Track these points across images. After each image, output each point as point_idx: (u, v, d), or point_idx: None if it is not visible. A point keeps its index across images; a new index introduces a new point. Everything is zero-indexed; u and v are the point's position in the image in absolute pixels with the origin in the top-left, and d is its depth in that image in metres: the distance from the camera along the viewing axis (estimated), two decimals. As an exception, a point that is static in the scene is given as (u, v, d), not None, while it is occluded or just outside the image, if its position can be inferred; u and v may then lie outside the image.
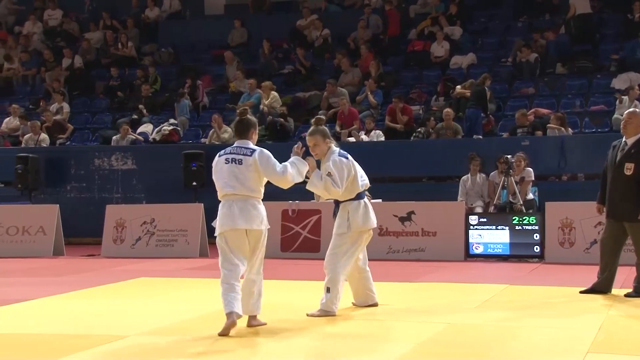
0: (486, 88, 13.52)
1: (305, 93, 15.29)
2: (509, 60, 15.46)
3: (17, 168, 13.25)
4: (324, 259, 10.69)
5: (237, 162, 5.82)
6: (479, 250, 10.60)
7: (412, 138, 13.52)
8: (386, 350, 5.22)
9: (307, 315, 6.30)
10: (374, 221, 6.59)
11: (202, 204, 11.35)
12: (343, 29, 16.77)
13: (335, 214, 6.60)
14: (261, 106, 14.55)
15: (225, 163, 5.82)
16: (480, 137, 13.28)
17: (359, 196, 6.53)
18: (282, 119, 14.24)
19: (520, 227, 10.47)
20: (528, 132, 12.97)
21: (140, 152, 13.82)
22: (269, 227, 6.04)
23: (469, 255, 10.60)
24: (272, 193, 12.82)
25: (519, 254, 10.46)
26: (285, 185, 5.96)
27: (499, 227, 10.54)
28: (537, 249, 10.38)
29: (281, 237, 11.03)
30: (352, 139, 13.51)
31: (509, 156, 10.99)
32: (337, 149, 6.47)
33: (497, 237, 10.55)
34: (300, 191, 12.40)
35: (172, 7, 18.51)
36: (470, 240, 10.60)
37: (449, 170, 12.87)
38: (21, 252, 11.34)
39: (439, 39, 15.77)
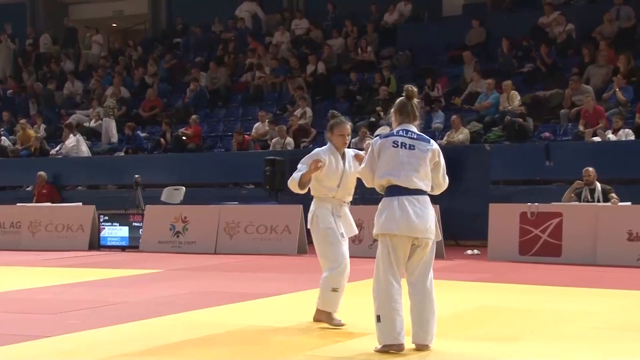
0: None
1: (545, 92, 14.69)
2: None
3: (265, 170, 14.08)
4: (565, 264, 10.23)
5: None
6: None
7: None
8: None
9: None
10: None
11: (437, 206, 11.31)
12: (589, 23, 15.87)
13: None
14: (500, 107, 14.23)
15: None
16: None
17: None
18: (520, 119, 13.80)
19: None
20: None
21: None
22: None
23: None
24: (513, 195, 12.51)
25: None
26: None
27: None
28: None
29: (519, 240, 10.71)
30: (597, 139, 12.75)
31: None
32: None
33: None
34: (538, 193, 12.02)
35: (410, 11, 18.69)
36: None
37: None
38: (269, 250, 12.05)
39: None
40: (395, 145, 5.14)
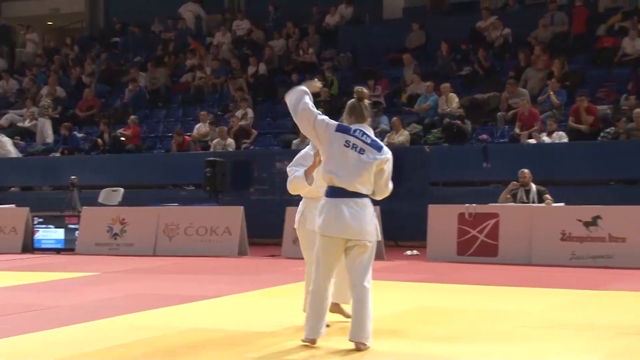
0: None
1: (483, 94, 14.96)
2: None
3: (206, 171, 13.94)
4: (502, 264, 10.42)
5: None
6: (675, 258, 9.85)
7: (599, 138, 12.83)
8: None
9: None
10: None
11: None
12: (525, 27, 16.23)
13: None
14: (439, 109, 14.42)
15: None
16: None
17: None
18: (459, 121, 14.02)
19: None
20: None
21: (319, 156, 14.11)
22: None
23: (662, 264, 9.89)
24: (451, 196, 12.66)
25: None
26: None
27: (698, 234, 9.74)
28: None
29: (457, 241, 10.87)
30: (532, 141, 13.04)
31: None
32: None
33: (695, 245, 9.75)
34: (477, 194, 12.23)
35: (351, 13, 18.81)
36: (664, 247, 9.89)
37: (640, 173, 12.08)
38: (209, 251, 11.94)
39: (633, 34, 14.80)
40: (346, 145, 5.20)
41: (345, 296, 5.93)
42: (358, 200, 5.19)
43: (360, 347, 5.18)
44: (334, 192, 5.22)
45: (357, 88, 5.43)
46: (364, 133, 5.25)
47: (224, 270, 10.40)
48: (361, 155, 5.17)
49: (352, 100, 5.39)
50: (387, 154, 5.26)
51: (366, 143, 5.21)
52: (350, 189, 5.18)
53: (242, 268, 10.65)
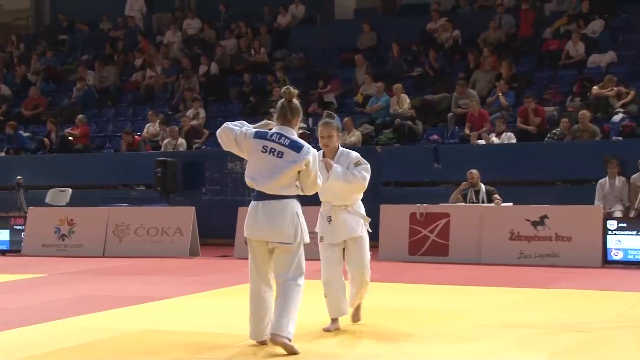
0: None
1: (434, 95, 15.13)
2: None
3: (156, 171, 13.82)
4: (452, 263, 10.56)
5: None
6: (618, 256, 10.12)
7: (546, 139, 13.10)
8: (519, 359, 5.08)
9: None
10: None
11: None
12: (474, 29, 16.47)
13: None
14: (391, 110, 14.53)
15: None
16: (620, 138, 12.68)
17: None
18: (410, 122, 14.15)
19: (663, 233, 9.90)
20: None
21: (271, 156, 14.07)
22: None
23: (606, 262, 10.15)
24: (403, 196, 12.77)
25: (662, 261, 9.89)
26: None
27: (641, 233, 10.02)
28: (682, 256, 9.78)
29: (409, 240, 10.97)
30: (482, 141, 13.24)
31: (650, 158, 10.43)
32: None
33: (638, 243, 10.01)
34: (428, 194, 12.37)
35: (303, 13, 18.82)
36: (609, 246, 10.15)
37: (585, 173, 12.35)
38: (160, 252, 11.82)
39: (576, 37, 15.15)
40: (264, 151, 5.22)
41: (340, 310, 5.96)
42: (277, 202, 5.20)
43: (275, 339, 5.11)
44: (256, 195, 5.31)
45: (285, 88, 5.42)
46: (282, 135, 5.22)
47: (175, 271, 10.30)
48: (279, 159, 5.17)
49: (281, 100, 5.38)
50: (308, 154, 5.21)
51: (284, 145, 5.20)
52: (270, 192, 5.22)
53: (193, 269, 10.57)
